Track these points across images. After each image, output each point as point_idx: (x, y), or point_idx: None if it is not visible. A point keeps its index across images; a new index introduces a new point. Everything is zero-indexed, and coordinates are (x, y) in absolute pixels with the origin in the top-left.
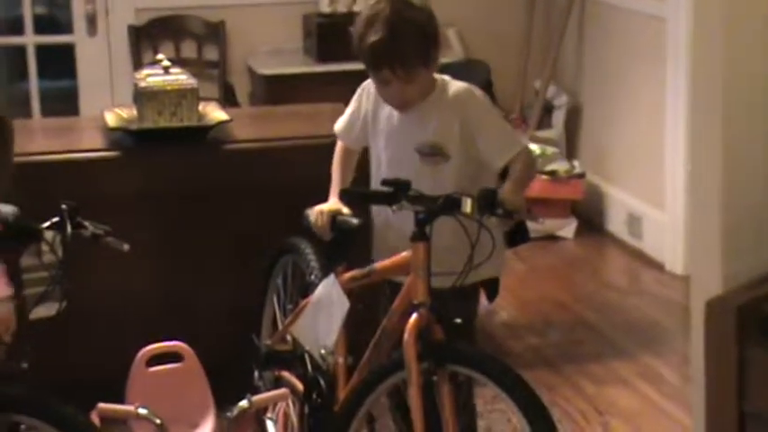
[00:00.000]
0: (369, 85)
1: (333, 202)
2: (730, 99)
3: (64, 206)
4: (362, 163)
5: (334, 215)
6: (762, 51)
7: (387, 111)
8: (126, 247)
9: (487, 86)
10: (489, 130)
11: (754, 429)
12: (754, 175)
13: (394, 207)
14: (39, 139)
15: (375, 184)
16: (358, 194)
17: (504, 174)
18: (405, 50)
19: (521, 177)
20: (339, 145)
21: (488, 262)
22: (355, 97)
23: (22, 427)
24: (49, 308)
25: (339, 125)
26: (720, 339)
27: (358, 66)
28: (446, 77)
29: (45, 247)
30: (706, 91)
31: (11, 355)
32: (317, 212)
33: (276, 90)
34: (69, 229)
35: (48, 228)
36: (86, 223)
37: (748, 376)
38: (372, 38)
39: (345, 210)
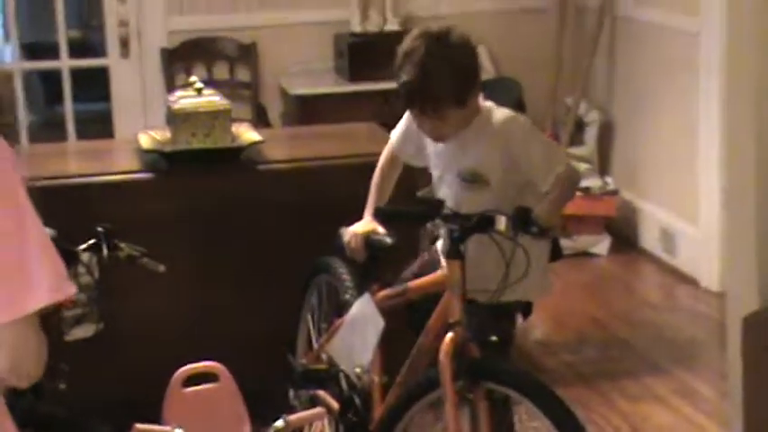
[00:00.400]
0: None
1: (367, 222)
2: (764, 114)
3: (100, 228)
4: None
5: (369, 236)
6: None
7: None
8: (162, 268)
9: (519, 105)
10: (532, 158)
11: None
12: None
13: (429, 225)
14: (74, 161)
15: None
16: (392, 213)
17: None
18: (435, 92)
19: (558, 196)
20: (386, 155)
21: (525, 284)
22: (407, 117)
23: None
24: (86, 329)
25: (395, 137)
26: (758, 354)
27: (389, 85)
28: (491, 105)
29: (81, 269)
30: (740, 106)
31: (49, 375)
32: (350, 234)
33: (308, 110)
34: (105, 251)
35: (84, 250)
36: (122, 245)
37: None
38: (404, 77)
39: (380, 229)
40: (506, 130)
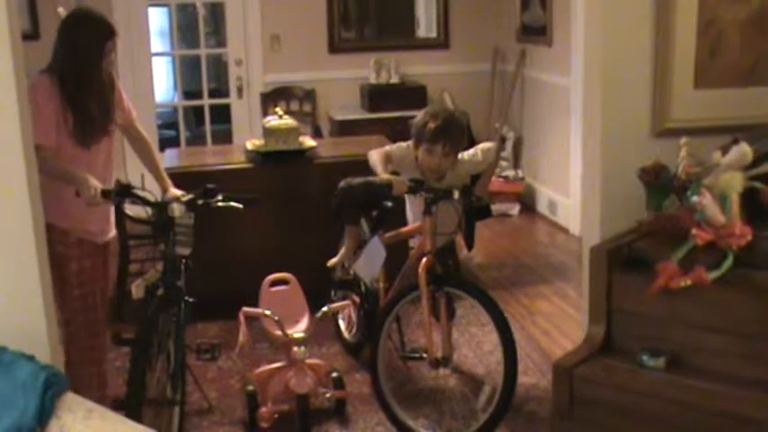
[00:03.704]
0: (399, 151)
1: (393, 176)
2: (606, 138)
3: (207, 186)
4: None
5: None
6: (623, 110)
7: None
8: (241, 206)
9: (467, 127)
10: (480, 163)
11: (618, 321)
12: (623, 181)
13: (418, 194)
14: (210, 157)
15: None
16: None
17: None
18: (455, 135)
19: (486, 181)
20: (385, 153)
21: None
22: (395, 151)
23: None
24: (184, 249)
25: (394, 148)
26: (598, 270)
27: (392, 114)
28: (461, 156)
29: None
30: (591, 128)
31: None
32: (397, 182)
33: (344, 128)
34: (200, 201)
35: (187, 200)
36: (219, 196)
37: (613, 289)
38: (434, 124)
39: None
40: (469, 168)
